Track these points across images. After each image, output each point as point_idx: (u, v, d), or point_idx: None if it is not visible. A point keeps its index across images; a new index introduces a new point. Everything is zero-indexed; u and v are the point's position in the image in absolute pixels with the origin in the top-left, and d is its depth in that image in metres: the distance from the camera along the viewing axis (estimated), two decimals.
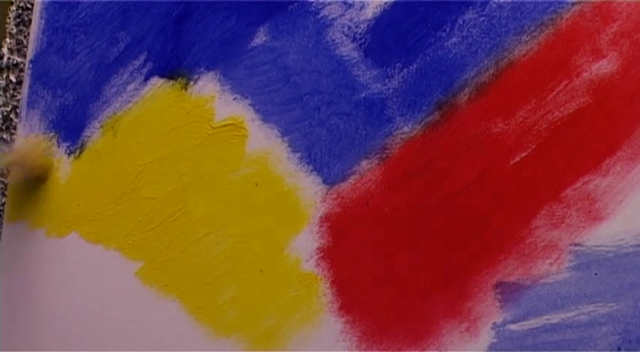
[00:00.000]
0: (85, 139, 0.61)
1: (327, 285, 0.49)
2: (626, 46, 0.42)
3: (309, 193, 0.50)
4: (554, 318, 0.42)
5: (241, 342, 0.51)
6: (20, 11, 0.66)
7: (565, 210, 0.43)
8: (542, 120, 0.44)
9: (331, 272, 0.49)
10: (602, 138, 0.42)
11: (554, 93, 0.44)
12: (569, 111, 0.43)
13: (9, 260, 0.64)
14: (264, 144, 0.52)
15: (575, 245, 0.42)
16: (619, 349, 0.40)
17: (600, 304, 0.41)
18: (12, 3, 0.66)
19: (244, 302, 0.51)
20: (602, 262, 0.41)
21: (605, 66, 0.43)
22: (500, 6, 0.46)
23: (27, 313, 0.62)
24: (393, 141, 0.48)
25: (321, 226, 0.50)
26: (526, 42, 0.45)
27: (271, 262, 0.51)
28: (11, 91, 0.66)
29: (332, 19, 0.51)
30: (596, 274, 0.42)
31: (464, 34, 0.47)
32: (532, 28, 0.45)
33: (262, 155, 0.52)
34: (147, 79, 0.58)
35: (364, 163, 0.49)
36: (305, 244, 0.50)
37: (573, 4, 0.44)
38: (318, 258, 0.49)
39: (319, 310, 0.49)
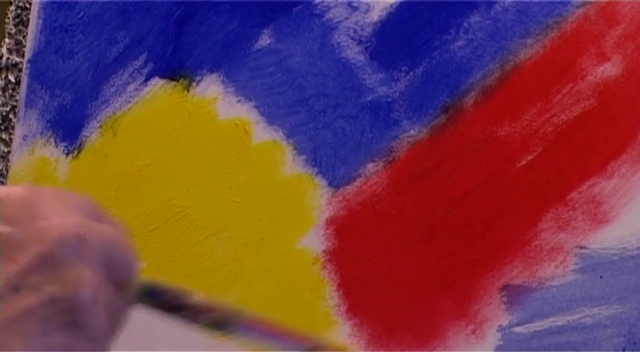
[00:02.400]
0: (84, 139, 0.61)
1: (334, 288, 0.48)
2: (630, 49, 0.43)
3: (315, 196, 0.50)
4: (560, 321, 0.42)
5: (245, 345, 0.51)
6: (19, 11, 0.65)
7: (570, 212, 0.43)
8: (547, 123, 0.44)
9: (338, 275, 0.49)
10: (607, 141, 0.43)
11: (559, 96, 0.44)
12: (575, 114, 0.43)
13: None
14: (269, 147, 0.52)
15: (581, 248, 0.42)
16: (624, 350, 0.40)
17: (605, 306, 0.41)
18: (11, 3, 0.65)
19: (249, 305, 0.51)
20: (607, 265, 0.42)
21: (609, 69, 0.43)
22: (505, 9, 0.46)
23: None
24: (400, 144, 0.48)
25: (327, 229, 0.49)
26: (531, 45, 0.45)
27: (277, 265, 0.51)
28: (10, 91, 0.65)
29: (337, 21, 0.51)
30: (601, 277, 0.42)
31: (469, 37, 0.46)
32: (537, 31, 0.45)
33: (267, 157, 0.52)
34: (147, 79, 0.58)
35: (370, 166, 0.49)
36: (311, 247, 0.50)
37: (578, 6, 0.44)
38: (325, 261, 0.49)
39: (326, 313, 0.48)
